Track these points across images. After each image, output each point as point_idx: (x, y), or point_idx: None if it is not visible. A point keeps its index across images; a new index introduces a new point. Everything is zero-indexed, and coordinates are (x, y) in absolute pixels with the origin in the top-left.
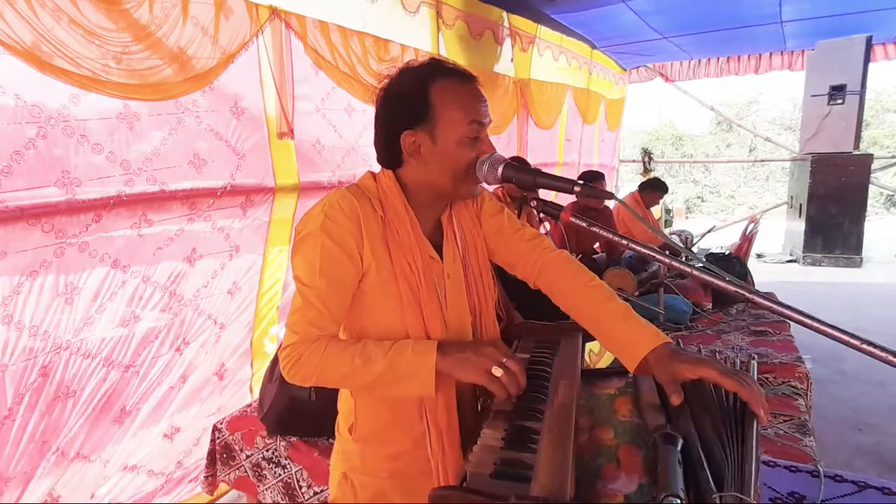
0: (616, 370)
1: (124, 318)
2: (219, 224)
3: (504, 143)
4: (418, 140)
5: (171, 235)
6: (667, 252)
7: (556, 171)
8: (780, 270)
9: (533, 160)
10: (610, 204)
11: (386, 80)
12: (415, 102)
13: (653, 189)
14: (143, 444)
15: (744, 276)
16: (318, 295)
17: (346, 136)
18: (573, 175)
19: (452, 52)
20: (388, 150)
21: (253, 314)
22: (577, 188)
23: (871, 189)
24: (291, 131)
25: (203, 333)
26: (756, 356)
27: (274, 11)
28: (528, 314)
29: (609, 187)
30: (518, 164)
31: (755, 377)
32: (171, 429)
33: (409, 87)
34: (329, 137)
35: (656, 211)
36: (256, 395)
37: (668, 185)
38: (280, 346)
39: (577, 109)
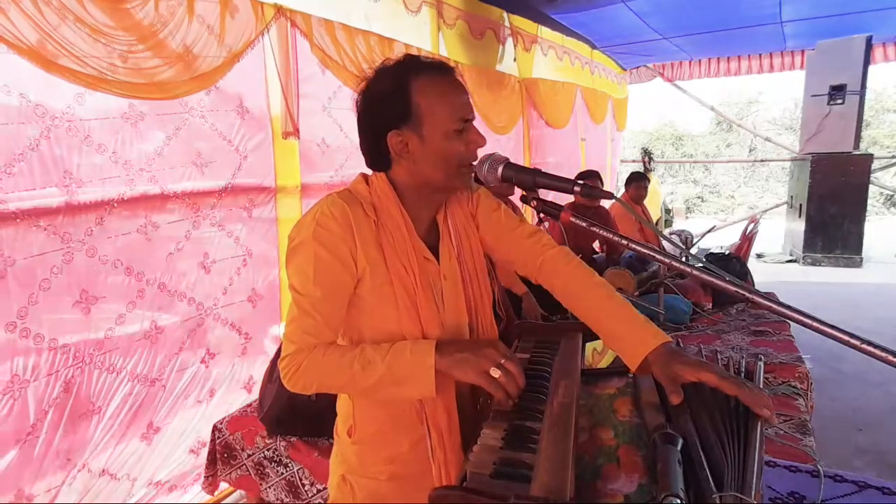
0: (616, 370)
1: (145, 329)
2: (227, 227)
3: (513, 145)
4: (405, 139)
5: (179, 240)
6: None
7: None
8: (779, 270)
9: (544, 163)
10: (606, 204)
11: (363, 83)
12: (397, 101)
13: (635, 182)
14: (168, 460)
15: (744, 276)
16: (312, 303)
17: (351, 135)
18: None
19: (454, 51)
20: (376, 153)
21: (279, 324)
22: (576, 188)
23: (871, 189)
24: (297, 130)
25: (229, 345)
26: (763, 358)
27: (279, 10)
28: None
29: (611, 188)
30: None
31: (762, 379)
32: (197, 444)
33: (391, 87)
34: (334, 137)
35: (656, 211)
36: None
37: (668, 185)
38: (277, 353)
39: (587, 109)
